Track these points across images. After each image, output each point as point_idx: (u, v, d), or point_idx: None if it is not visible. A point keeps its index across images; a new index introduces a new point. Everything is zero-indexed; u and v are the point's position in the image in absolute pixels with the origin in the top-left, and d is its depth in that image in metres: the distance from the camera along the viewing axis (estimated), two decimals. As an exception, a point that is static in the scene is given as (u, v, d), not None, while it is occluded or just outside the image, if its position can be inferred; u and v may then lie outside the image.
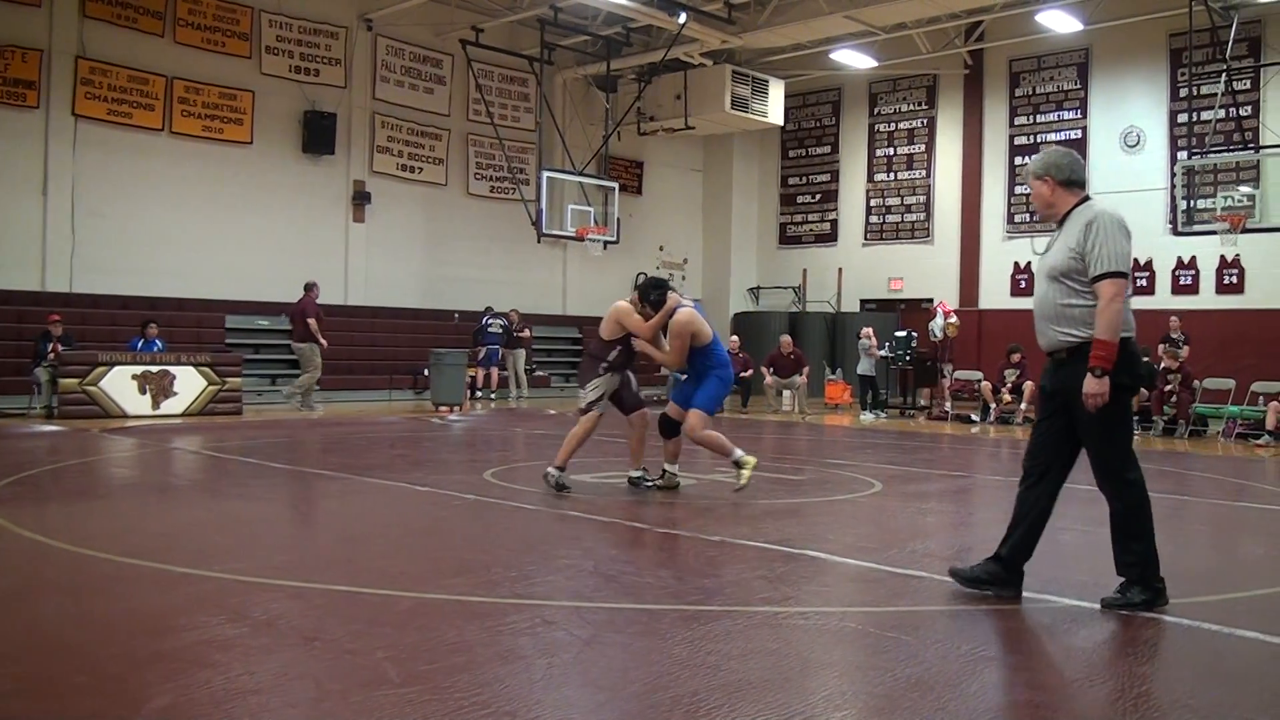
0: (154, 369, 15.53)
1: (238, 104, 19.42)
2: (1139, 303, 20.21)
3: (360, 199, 21.05)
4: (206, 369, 16.05)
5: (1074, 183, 5.05)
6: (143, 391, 15.41)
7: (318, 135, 20.27)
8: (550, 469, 8.27)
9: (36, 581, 5.25)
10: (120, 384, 15.23)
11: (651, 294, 8.12)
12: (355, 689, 3.60)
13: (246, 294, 19.51)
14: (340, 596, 4.94)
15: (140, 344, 16.01)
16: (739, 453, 8.06)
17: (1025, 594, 5.21)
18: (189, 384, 15.84)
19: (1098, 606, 4.96)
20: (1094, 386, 4.75)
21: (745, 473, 8.07)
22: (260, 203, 19.71)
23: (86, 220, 17.69)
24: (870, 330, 19.91)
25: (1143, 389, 16.28)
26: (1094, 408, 4.75)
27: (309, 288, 17.81)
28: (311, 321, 17.29)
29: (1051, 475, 5.05)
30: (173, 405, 15.62)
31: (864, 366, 19.77)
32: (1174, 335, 16.92)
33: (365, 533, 6.88)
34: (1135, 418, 16.16)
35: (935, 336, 19.84)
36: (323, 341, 17.34)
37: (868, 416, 19.04)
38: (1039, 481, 5.06)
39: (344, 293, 20.97)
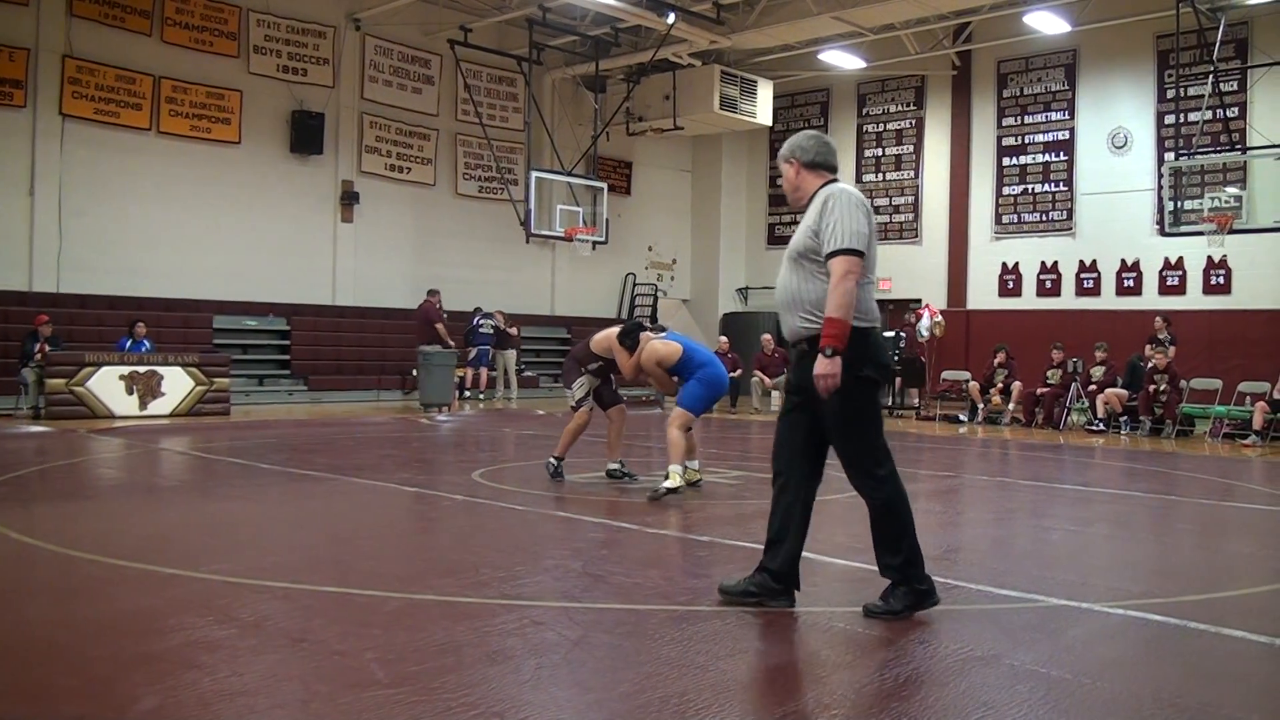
0: (141, 369, 15.48)
1: (225, 104, 19.37)
2: (1126, 303, 20.45)
3: (348, 199, 21.01)
4: (194, 369, 16.01)
5: (819, 165, 4.89)
6: (130, 392, 15.36)
7: (306, 135, 20.22)
8: (550, 458, 9.09)
9: (23, 583, 5.23)
10: (107, 384, 15.19)
11: (626, 340, 8.74)
12: (343, 690, 3.60)
13: (234, 294, 19.47)
14: (328, 597, 4.93)
15: (129, 344, 15.97)
16: (678, 467, 8.26)
17: (1013, 593, 5.23)
18: (176, 384, 15.80)
19: (1086, 606, 4.98)
20: (823, 367, 4.48)
21: (665, 485, 8.22)
22: (248, 203, 19.66)
23: (73, 220, 17.63)
24: None
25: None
26: (825, 391, 4.50)
27: (431, 293, 18.76)
28: (439, 326, 18.31)
29: (798, 478, 4.86)
30: (160, 406, 15.57)
31: None
32: (1160, 336, 16.99)
33: (353, 533, 6.87)
34: (1123, 418, 16.38)
35: (922, 337, 19.91)
36: (449, 343, 18.39)
37: None
38: (788, 487, 4.87)
39: (332, 293, 20.93)
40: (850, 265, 4.54)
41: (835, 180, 4.87)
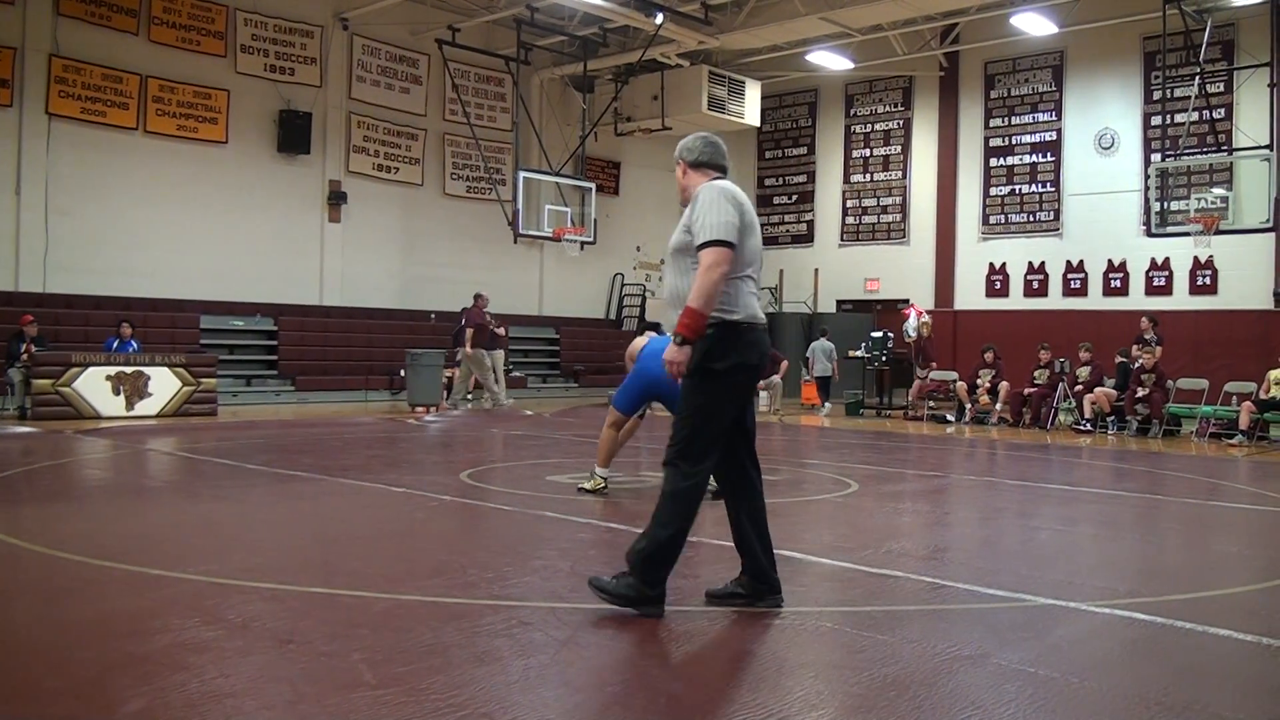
0: (128, 370, 15.42)
1: (213, 103, 19.31)
2: (1113, 303, 20.53)
3: (336, 199, 20.97)
4: (181, 370, 15.95)
5: (704, 164, 4.91)
6: (116, 392, 15.30)
7: (293, 135, 20.18)
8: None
9: (9, 585, 5.20)
10: (94, 385, 15.13)
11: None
12: (331, 691, 3.59)
13: (221, 294, 19.41)
14: (316, 598, 4.92)
15: (115, 344, 15.91)
16: (601, 470, 8.39)
17: (1001, 593, 5.24)
18: (163, 385, 15.74)
19: (1073, 605, 4.99)
20: (671, 353, 4.51)
21: (588, 485, 8.41)
22: (235, 202, 19.61)
23: (60, 220, 17.56)
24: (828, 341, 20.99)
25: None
26: (675, 376, 4.56)
27: (478, 297, 18.91)
28: (469, 331, 18.40)
29: (733, 478, 4.86)
30: (147, 406, 15.51)
31: (820, 369, 20.57)
32: (1146, 336, 17.05)
33: (341, 534, 6.86)
34: (1110, 418, 16.43)
35: (909, 337, 19.95)
36: (469, 349, 18.47)
37: (828, 407, 20.15)
38: (728, 498, 4.88)
39: (320, 293, 20.89)
40: (717, 257, 4.50)
41: (720, 179, 4.87)
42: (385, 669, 3.82)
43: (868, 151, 24.90)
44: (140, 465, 10.77)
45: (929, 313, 20.83)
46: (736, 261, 4.59)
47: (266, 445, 12.23)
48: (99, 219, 17.98)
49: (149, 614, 4.54)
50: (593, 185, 21.84)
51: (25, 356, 15.09)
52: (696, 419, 4.63)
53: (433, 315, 21.88)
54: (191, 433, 13.50)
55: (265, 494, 8.50)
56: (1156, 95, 19.49)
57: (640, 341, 8.59)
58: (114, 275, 18.06)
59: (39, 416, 14.53)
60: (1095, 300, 21.04)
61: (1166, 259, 20.13)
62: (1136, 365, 16.49)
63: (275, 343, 19.92)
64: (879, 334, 20.28)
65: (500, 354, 20.86)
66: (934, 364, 19.73)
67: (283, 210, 20.33)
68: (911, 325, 19.89)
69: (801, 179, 26.10)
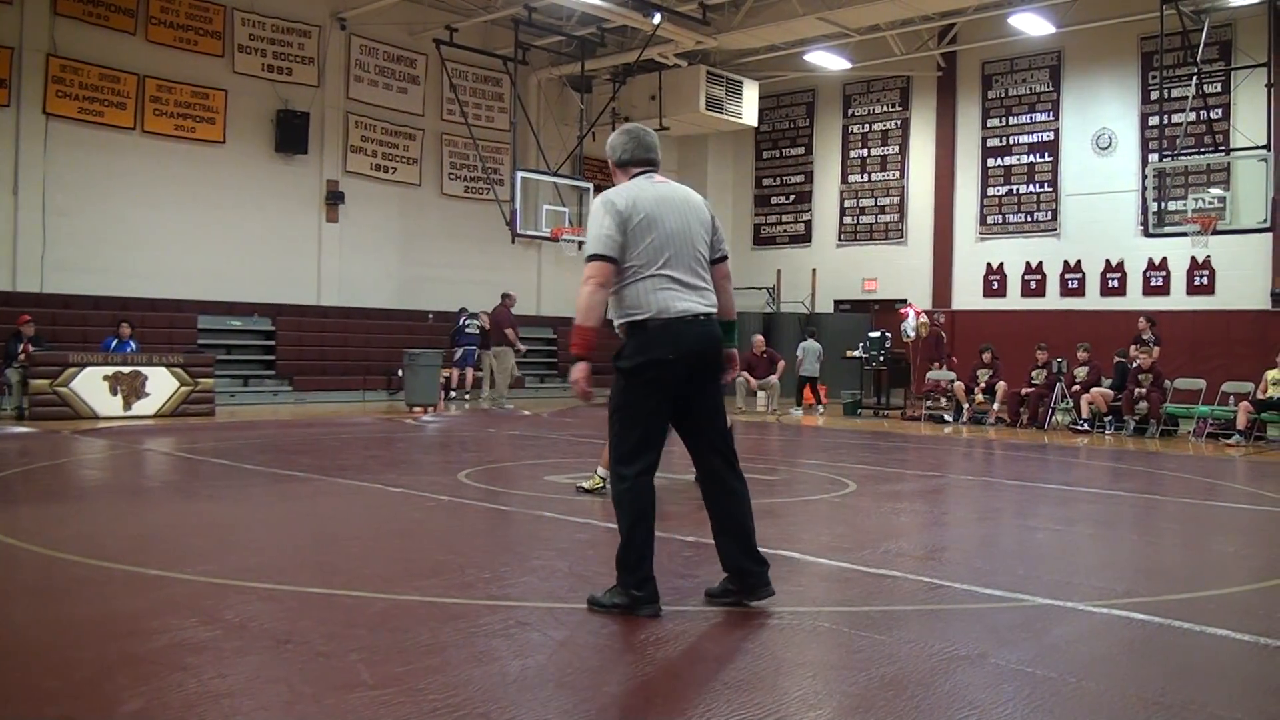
0: (125, 370, 15.42)
1: (210, 103, 19.30)
2: (1110, 303, 20.56)
3: (333, 199, 20.96)
4: (179, 370, 15.95)
5: (628, 162, 4.87)
6: (114, 392, 15.29)
7: (291, 135, 20.17)
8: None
9: (7, 585, 5.21)
10: (91, 385, 15.12)
11: None
12: (328, 691, 3.59)
13: (219, 294, 19.40)
14: (313, 598, 4.92)
15: (114, 344, 15.91)
16: (603, 470, 8.26)
17: (998, 592, 5.24)
18: (161, 385, 15.74)
19: (1071, 605, 5.00)
20: (571, 373, 4.78)
21: (587, 485, 8.48)
22: (233, 202, 19.59)
23: (58, 220, 17.54)
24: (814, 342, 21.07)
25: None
26: (579, 394, 4.71)
27: (505, 297, 19.31)
28: (509, 331, 18.84)
29: (703, 477, 4.85)
30: (145, 406, 15.51)
31: (809, 369, 20.63)
32: (1144, 336, 17.06)
33: (339, 534, 6.86)
34: (1107, 418, 16.44)
35: (909, 337, 19.97)
36: (520, 347, 19.22)
37: (796, 412, 20.12)
38: (704, 493, 4.87)
39: (317, 293, 20.88)
40: (590, 271, 4.62)
41: (647, 173, 4.84)
42: (383, 669, 3.82)
43: (865, 151, 24.89)
44: (138, 465, 10.77)
45: (926, 313, 20.82)
46: (637, 262, 4.63)
47: (264, 445, 12.22)
48: (96, 219, 17.96)
49: (147, 614, 4.54)
50: (590, 185, 21.81)
51: (23, 356, 15.08)
52: (617, 421, 4.72)
53: (430, 315, 21.87)
54: (189, 433, 13.50)
55: (263, 494, 8.50)
56: (1154, 95, 19.49)
57: None
58: (111, 275, 18.05)
59: (36, 417, 14.52)
60: (1093, 300, 21.05)
61: (1164, 259, 20.14)
62: (1134, 365, 16.51)
63: (273, 343, 19.92)
64: (876, 334, 20.28)
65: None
66: (954, 359, 19.73)
67: (280, 210, 20.31)
68: (910, 325, 19.90)
69: (799, 179, 26.09)
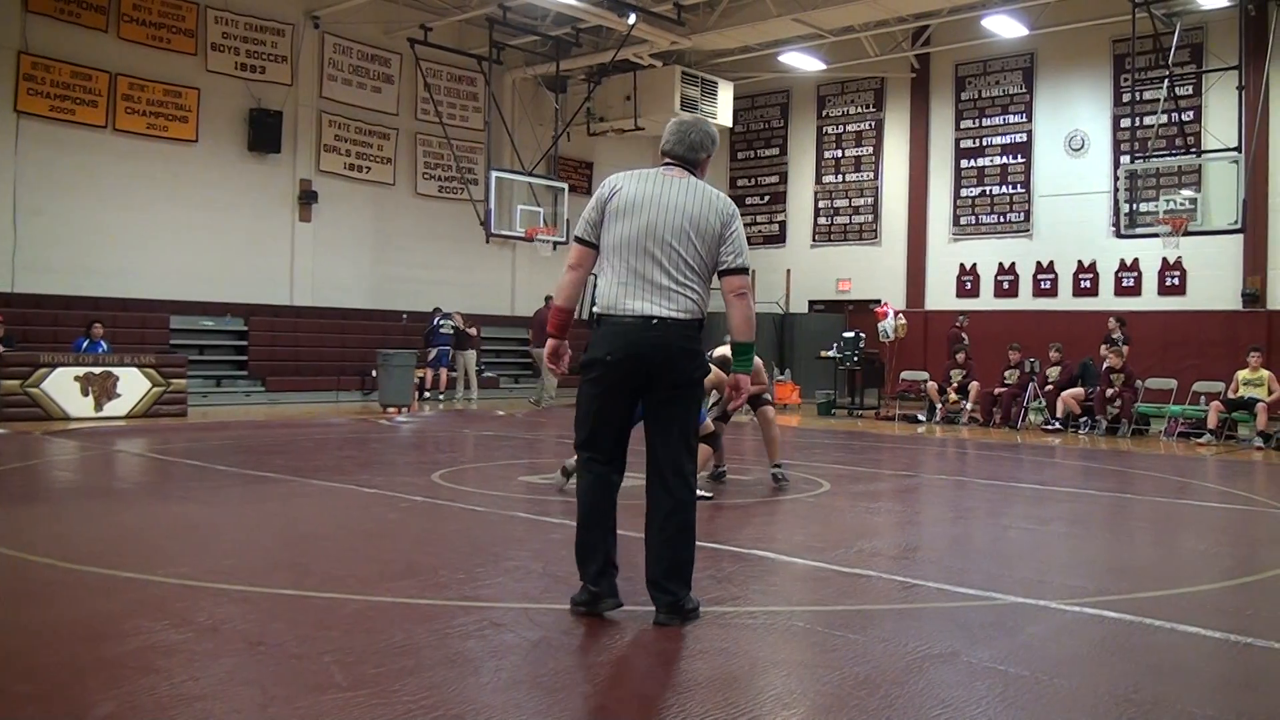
0: (97, 370, 15.30)
1: (183, 101, 19.18)
2: (1082, 304, 20.67)
3: (307, 198, 20.86)
4: (151, 370, 15.84)
5: (663, 153, 4.82)
6: (85, 393, 15.17)
7: (264, 133, 20.06)
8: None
9: (-25, 587, 5.16)
10: (62, 385, 14.99)
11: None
12: (301, 694, 3.57)
13: (191, 294, 19.28)
14: (286, 600, 4.90)
15: (86, 344, 15.78)
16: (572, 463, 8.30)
17: (971, 591, 5.26)
18: (133, 386, 15.62)
19: (1043, 603, 5.03)
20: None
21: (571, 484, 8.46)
22: (206, 201, 19.47)
23: (29, 219, 17.38)
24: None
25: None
26: (553, 371, 4.87)
27: (549, 299, 18.67)
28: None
29: (646, 480, 4.74)
30: (116, 407, 15.39)
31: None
32: (1114, 336, 17.18)
33: (312, 535, 6.83)
34: (1081, 418, 16.52)
35: (886, 337, 20.02)
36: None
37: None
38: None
39: (290, 293, 20.78)
40: (571, 253, 4.75)
41: (668, 164, 4.76)
42: (356, 671, 3.81)
43: (839, 152, 24.97)
44: (110, 467, 10.69)
45: (900, 313, 20.89)
46: (605, 249, 4.64)
47: (237, 446, 12.16)
48: (68, 218, 17.81)
49: (118, 617, 4.51)
50: (565, 185, 21.80)
51: (-7, 357, 14.95)
52: (577, 408, 4.74)
53: (404, 316, 21.80)
54: (161, 434, 13.40)
55: (236, 495, 8.45)
56: (1126, 97, 19.62)
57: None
58: (83, 275, 17.90)
59: (7, 418, 14.37)
60: (1065, 301, 21.18)
61: (1136, 260, 20.28)
62: (1105, 366, 16.62)
63: (245, 343, 19.82)
64: (850, 334, 20.33)
65: (472, 354, 20.88)
66: (971, 360, 19.33)
67: (253, 209, 20.21)
68: (890, 325, 19.94)
69: (774, 180, 26.14)
